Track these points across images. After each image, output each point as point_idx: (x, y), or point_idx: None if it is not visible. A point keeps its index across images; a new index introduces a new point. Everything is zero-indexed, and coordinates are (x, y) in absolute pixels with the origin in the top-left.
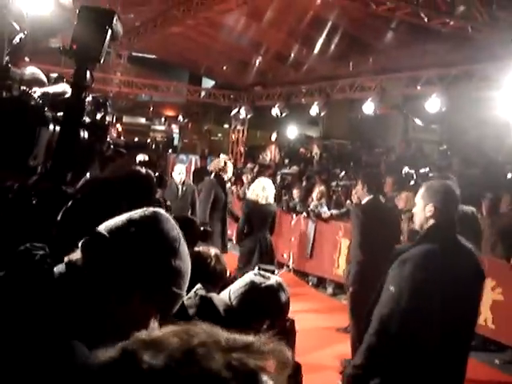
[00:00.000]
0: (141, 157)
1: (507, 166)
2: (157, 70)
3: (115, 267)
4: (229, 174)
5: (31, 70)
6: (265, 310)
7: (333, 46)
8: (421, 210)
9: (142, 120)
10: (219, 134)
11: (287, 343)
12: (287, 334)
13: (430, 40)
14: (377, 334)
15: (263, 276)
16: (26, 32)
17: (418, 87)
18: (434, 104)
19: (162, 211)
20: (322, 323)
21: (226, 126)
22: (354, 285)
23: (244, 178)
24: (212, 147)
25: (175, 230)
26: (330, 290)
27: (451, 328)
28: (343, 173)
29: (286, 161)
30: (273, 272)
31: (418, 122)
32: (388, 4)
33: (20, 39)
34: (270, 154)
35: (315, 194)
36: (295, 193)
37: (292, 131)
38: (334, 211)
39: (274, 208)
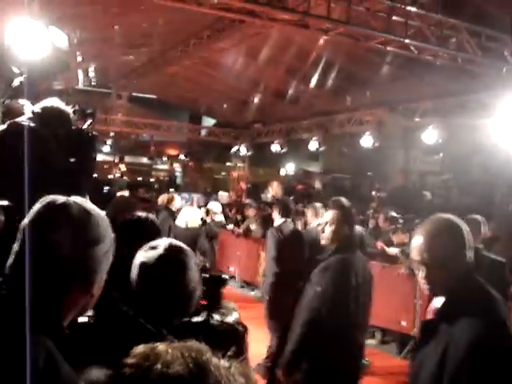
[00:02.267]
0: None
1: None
2: (157, 109)
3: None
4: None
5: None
6: (167, 279)
7: (330, 82)
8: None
9: (144, 159)
10: (222, 172)
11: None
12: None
13: (425, 72)
14: (307, 323)
15: (152, 247)
16: (24, 75)
17: (416, 119)
18: (431, 135)
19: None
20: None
21: (228, 163)
22: (270, 293)
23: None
24: (215, 185)
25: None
26: None
27: (359, 315)
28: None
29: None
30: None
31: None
32: (378, 38)
33: (20, 82)
34: (272, 191)
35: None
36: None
37: (292, 167)
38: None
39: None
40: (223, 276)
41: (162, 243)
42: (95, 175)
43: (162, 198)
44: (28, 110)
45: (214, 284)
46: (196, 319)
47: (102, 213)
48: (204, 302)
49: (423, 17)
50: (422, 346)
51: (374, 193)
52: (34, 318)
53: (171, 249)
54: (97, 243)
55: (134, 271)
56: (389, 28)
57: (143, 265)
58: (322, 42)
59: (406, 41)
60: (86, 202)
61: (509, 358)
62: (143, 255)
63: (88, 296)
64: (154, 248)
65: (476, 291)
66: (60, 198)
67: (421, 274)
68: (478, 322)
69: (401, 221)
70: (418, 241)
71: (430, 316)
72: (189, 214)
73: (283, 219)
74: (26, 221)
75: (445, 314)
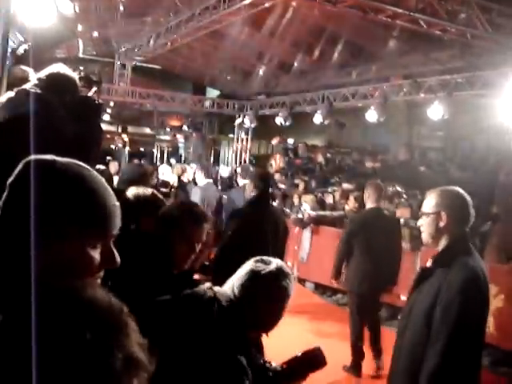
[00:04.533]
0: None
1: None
2: (161, 80)
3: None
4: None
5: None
6: (268, 297)
7: (336, 55)
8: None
9: (147, 130)
10: (224, 144)
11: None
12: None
13: (432, 47)
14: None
15: (264, 262)
16: (29, 43)
17: (421, 94)
18: (436, 111)
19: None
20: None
21: (231, 135)
22: (358, 289)
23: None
24: (217, 156)
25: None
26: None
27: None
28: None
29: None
30: None
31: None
32: (387, 11)
33: (24, 50)
34: (275, 164)
35: (295, 199)
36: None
37: (291, 141)
38: (321, 212)
39: None
40: None
41: (275, 262)
42: None
43: (177, 171)
44: (33, 76)
45: None
46: None
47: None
48: None
49: None
50: (417, 288)
51: (368, 164)
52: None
53: (282, 269)
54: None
55: (239, 276)
56: (398, 1)
57: (252, 273)
58: (329, 13)
59: (416, 14)
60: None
61: (483, 296)
62: (254, 265)
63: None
64: (265, 262)
65: (465, 247)
66: (44, 156)
67: (424, 224)
68: (467, 267)
69: (405, 196)
70: (430, 196)
71: (427, 265)
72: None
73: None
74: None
75: (440, 261)
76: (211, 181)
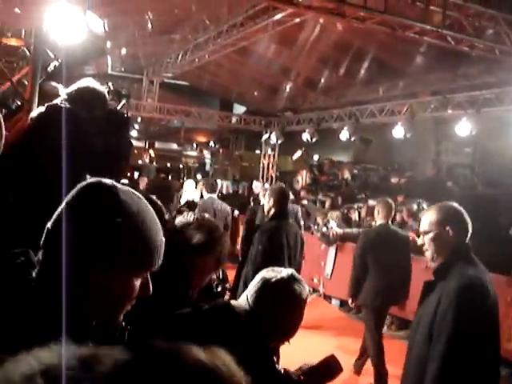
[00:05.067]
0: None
1: None
2: (188, 96)
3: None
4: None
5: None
6: (282, 303)
7: (362, 71)
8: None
9: (174, 146)
10: (250, 160)
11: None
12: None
13: (460, 64)
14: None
15: (275, 271)
16: (60, 60)
17: (449, 111)
18: (464, 127)
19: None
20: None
21: (257, 151)
22: (372, 303)
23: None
24: (243, 173)
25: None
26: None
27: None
28: (361, 196)
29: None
30: None
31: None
32: (414, 28)
33: (54, 67)
34: (302, 180)
35: (320, 216)
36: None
37: (316, 157)
38: (348, 230)
39: None
40: None
41: (285, 270)
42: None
43: (200, 186)
44: (62, 91)
45: None
46: None
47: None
48: None
49: (461, 7)
50: (423, 301)
51: (394, 180)
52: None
53: (293, 275)
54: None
55: (253, 285)
56: (426, 18)
57: (264, 281)
58: (356, 29)
59: (443, 31)
60: (134, 192)
61: (481, 302)
62: (265, 274)
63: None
64: (276, 271)
65: (466, 257)
66: (107, 181)
67: (426, 242)
68: (464, 275)
69: None
70: (427, 214)
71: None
72: None
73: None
74: (64, 202)
75: (440, 273)
76: (214, 195)
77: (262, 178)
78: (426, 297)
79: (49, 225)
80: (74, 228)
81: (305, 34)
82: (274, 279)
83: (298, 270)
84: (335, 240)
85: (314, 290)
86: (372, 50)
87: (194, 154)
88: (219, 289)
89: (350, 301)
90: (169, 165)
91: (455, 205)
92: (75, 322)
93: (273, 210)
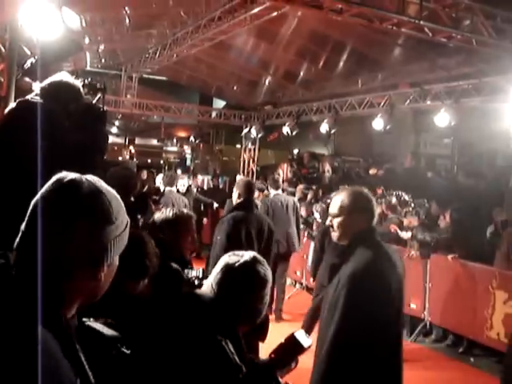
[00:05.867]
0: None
1: None
2: (168, 91)
3: None
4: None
5: None
6: (247, 286)
7: (341, 64)
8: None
9: (155, 141)
10: (231, 155)
11: (262, 332)
12: (263, 325)
13: (438, 54)
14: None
15: (236, 255)
16: (36, 56)
17: (428, 102)
18: (443, 118)
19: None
20: None
21: (238, 145)
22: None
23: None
24: (224, 167)
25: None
26: None
27: None
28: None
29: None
30: None
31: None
32: (391, 20)
33: (31, 63)
34: (282, 173)
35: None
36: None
37: (296, 150)
38: None
39: None
40: None
41: (247, 253)
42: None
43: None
44: (36, 87)
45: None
46: None
47: (115, 194)
48: None
49: None
50: (330, 283)
51: (372, 171)
52: (33, 306)
53: (256, 258)
54: (106, 223)
55: (215, 271)
56: (403, 9)
57: (227, 267)
58: (334, 22)
59: (421, 22)
60: (98, 181)
61: (372, 288)
62: (227, 259)
63: (95, 282)
64: (238, 255)
65: (369, 241)
66: (72, 175)
67: (334, 224)
68: (360, 260)
69: (412, 205)
70: (337, 198)
71: (334, 261)
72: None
73: None
74: (34, 199)
75: (344, 256)
76: (172, 188)
77: (243, 172)
78: (333, 278)
79: (22, 226)
80: (43, 229)
81: (283, 28)
82: (237, 264)
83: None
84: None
85: (297, 283)
86: (350, 43)
87: (175, 149)
88: (196, 283)
89: (311, 280)
90: (149, 161)
91: (365, 191)
92: (49, 319)
93: (238, 201)
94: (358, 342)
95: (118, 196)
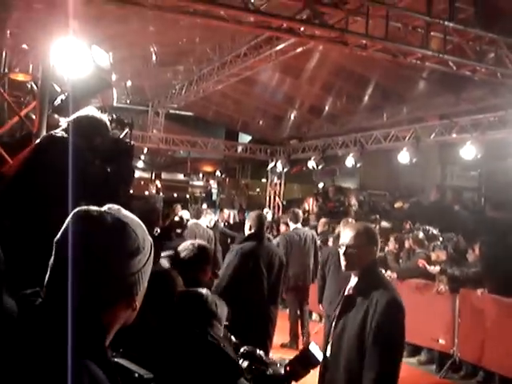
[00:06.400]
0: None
1: None
2: (194, 126)
3: None
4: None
5: None
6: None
7: (366, 98)
8: None
9: (181, 176)
10: (257, 189)
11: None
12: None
13: (463, 87)
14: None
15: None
16: (66, 94)
17: (453, 135)
18: (469, 151)
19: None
20: None
21: (264, 180)
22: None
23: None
24: (250, 201)
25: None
26: None
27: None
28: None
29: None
30: None
31: None
32: (416, 54)
33: (61, 100)
34: (308, 207)
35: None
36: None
37: (321, 184)
38: None
39: None
40: None
41: None
42: (131, 191)
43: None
44: (63, 122)
45: None
46: None
47: (138, 220)
48: None
49: (461, 32)
50: (344, 315)
51: (397, 205)
52: (77, 340)
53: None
54: (135, 253)
55: None
56: (427, 44)
57: None
58: (358, 57)
59: (445, 56)
60: (120, 210)
61: (402, 314)
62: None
63: (130, 310)
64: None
65: (379, 275)
66: (92, 209)
67: (345, 254)
68: (387, 292)
69: (440, 239)
70: (351, 229)
71: (349, 293)
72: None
73: None
74: (59, 235)
75: (360, 290)
76: (198, 221)
77: (269, 206)
78: (346, 311)
79: (50, 263)
80: (74, 266)
81: (308, 63)
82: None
83: (272, 291)
84: None
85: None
86: (375, 77)
87: (201, 183)
88: None
89: (320, 307)
90: (175, 195)
91: (372, 226)
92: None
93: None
94: (397, 363)
95: (140, 221)
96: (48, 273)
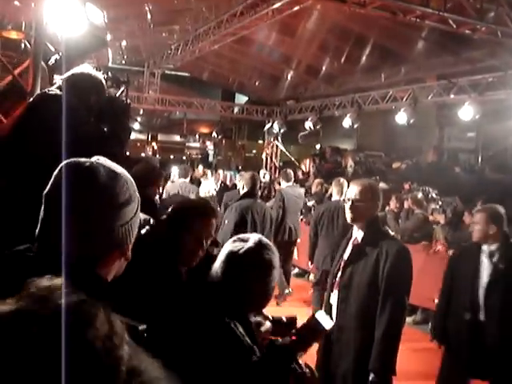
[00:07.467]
0: None
1: None
2: (190, 87)
3: None
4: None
5: None
6: (252, 273)
7: (364, 58)
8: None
9: (177, 138)
10: (253, 150)
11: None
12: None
13: (462, 47)
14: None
15: (242, 240)
16: (60, 53)
17: (451, 96)
18: (467, 112)
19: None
20: None
21: (260, 141)
22: (322, 266)
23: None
24: (246, 163)
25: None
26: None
27: None
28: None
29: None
30: None
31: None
32: (415, 12)
33: (55, 60)
34: (305, 168)
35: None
36: None
37: (318, 146)
38: None
39: None
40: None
41: (252, 237)
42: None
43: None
44: (58, 79)
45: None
46: None
47: (126, 172)
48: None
49: None
50: (351, 264)
51: (395, 166)
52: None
53: (261, 242)
54: (128, 203)
55: (220, 259)
56: (427, 1)
57: (231, 254)
58: (356, 16)
59: (445, 14)
60: (108, 161)
61: (410, 262)
62: (231, 245)
63: (123, 260)
64: (243, 240)
65: (382, 227)
66: (82, 160)
67: (349, 208)
68: (395, 241)
69: (439, 202)
70: (358, 184)
71: (357, 242)
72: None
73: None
74: (48, 187)
75: (367, 240)
76: (186, 179)
77: (266, 167)
78: (354, 260)
79: (40, 216)
80: (67, 218)
81: (305, 22)
82: (241, 250)
83: None
84: None
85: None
86: (373, 36)
87: (197, 145)
88: None
89: (309, 264)
90: (172, 157)
91: (375, 183)
92: None
93: (243, 191)
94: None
95: (129, 175)
96: (39, 226)
